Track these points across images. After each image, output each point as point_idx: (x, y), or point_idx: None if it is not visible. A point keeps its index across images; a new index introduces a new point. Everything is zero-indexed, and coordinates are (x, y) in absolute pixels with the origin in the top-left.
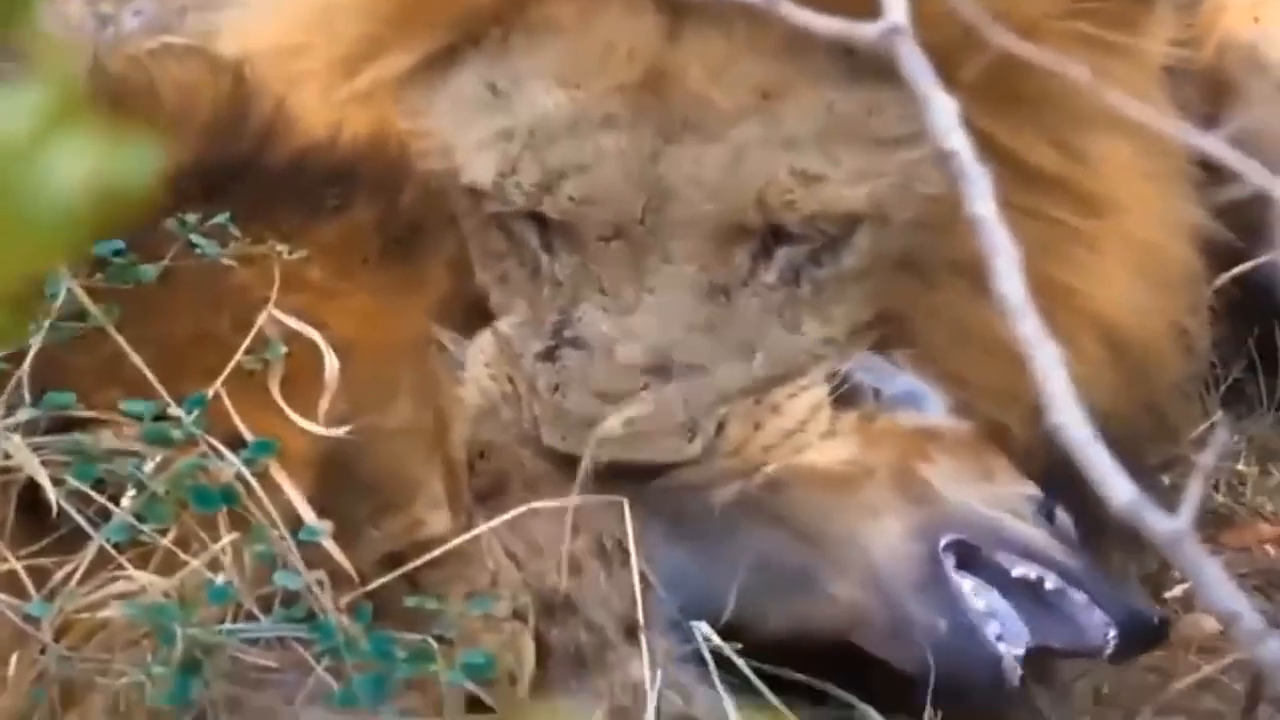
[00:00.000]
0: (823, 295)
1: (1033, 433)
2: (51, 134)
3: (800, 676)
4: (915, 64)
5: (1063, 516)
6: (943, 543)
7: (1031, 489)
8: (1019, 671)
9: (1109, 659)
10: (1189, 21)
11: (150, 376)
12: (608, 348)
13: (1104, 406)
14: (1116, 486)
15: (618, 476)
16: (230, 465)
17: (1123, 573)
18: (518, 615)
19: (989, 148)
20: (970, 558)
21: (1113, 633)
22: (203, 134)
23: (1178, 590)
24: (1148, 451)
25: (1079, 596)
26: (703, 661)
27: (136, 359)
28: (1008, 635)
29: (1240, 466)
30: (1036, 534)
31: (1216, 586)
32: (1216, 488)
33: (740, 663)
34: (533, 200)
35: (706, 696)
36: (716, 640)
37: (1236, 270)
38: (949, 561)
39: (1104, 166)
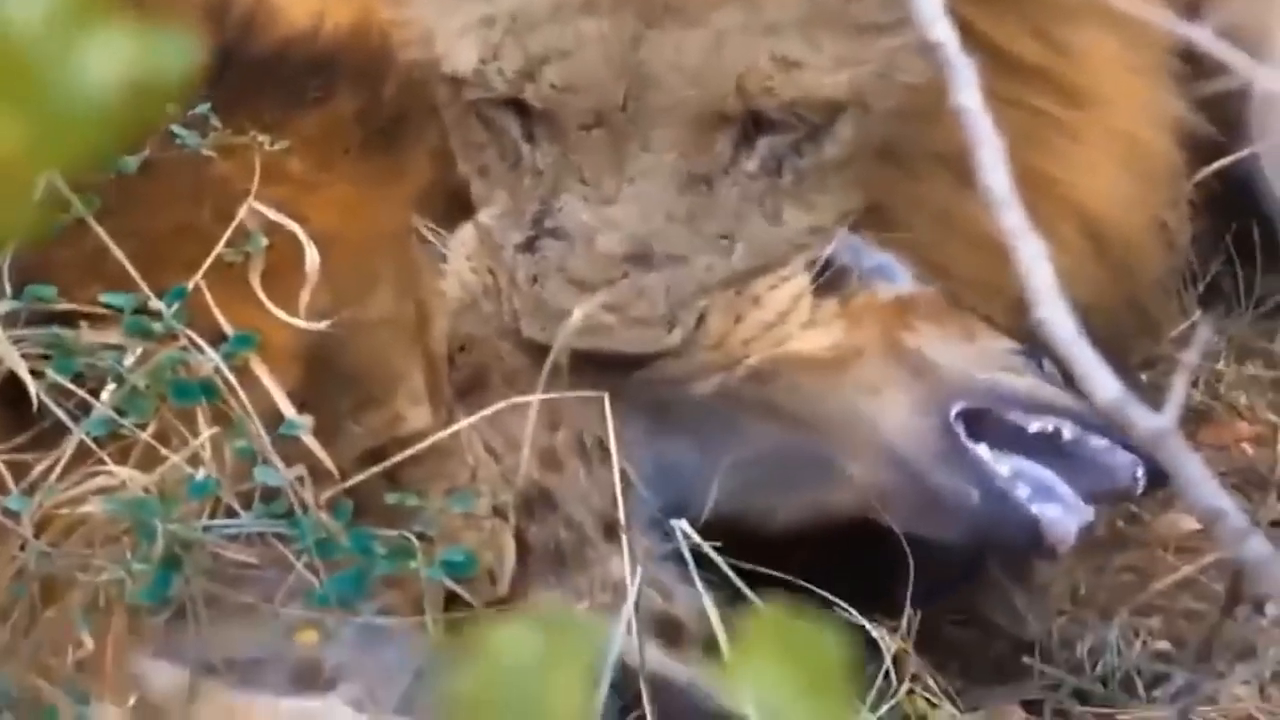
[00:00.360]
0: (804, 184)
1: (1016, 326)
2: (80, 26)
3: (780, 574)
4: None
5: (1050, 365)
6: (952, 412)
7: (1009, 342)
8: (1061, 531)
9: (1144, 494)
10: None
11: (131, 270)
12: (588, 237)
13: (1086, 300)
14: (1101, 382)
15: (598, 367)
16: (209, 359)
17: None
18: (498, 512)
19: (971, 36)
20: (980, 422)
21: (1140, 470)
22: (185, 24)
23: None
24: (1130, 347)
25: (1098, 440)
26: (683, 560)
27: (118, 252)
28: (1039, 495)
29: (1219, 365)
30: (1039, 386)
31: (1200, 485)
32: (1195, 385)
33: (719, 560)
34: (514, 87)
35: (687, 595)
36: (696, 538)
37: (1216, 165)
38: (959, 429)
39: (1087, 58)
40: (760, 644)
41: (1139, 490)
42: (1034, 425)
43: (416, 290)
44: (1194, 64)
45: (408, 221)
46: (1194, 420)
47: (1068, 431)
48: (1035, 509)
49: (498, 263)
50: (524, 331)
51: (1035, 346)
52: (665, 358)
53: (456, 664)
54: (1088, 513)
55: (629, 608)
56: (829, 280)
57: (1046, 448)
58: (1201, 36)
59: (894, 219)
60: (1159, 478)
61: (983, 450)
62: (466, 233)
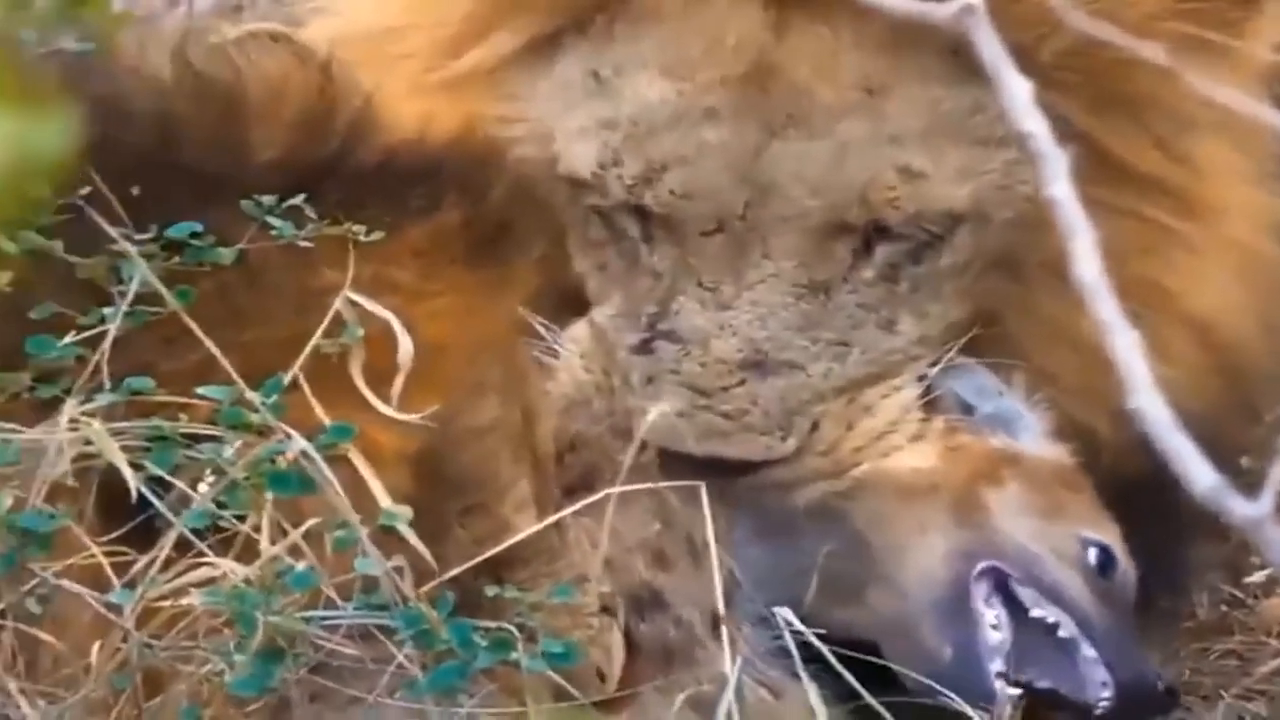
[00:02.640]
0: (920, 293)
1: (1120, 435)
2: None
3: (880, 661)
4: (988, 44)
5: (1124, 570)
6: (978, 569)
7: (1101, 534)
8: (1008, 710)
9: (1099, 718)
10: None
11: (233, 374)
12: (703, 341)
13: (1198, 409)
14: (1197, 471)
15: (711, 471)
16: (301, 447)
17: (1201, 566)
18: (606, 610)
19: (1088, 146)
20: (999, 586)
21: (1107, 693)
22: (290, 131)
23: (1258, 576)
24: (1236, 450)
25: (1089, 650)
26: (789, 655)
27: (225, 363)
28: (1011, 672)
29: None
30: (1071, 579)
31: None
32: None
33: (821, 647)
34: (634, 193)
35: (795, 692)
36: (799, 625)
37: None
38: (980, 588)
39: (1205, 168)
40: None
41: (1097, 711)
42: (1037, 610)
43: (524, 395)
44: None
45: (515, 328)
46: None
47: (1065, 630)
48: (999, 685)
49: (612, 362)
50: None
51: (1108, 550)
52: (777, 464)
53: None
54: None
55: (729, 698)
56: (938, 402)
57: (1040, 632)
58: None
59: (1003, 326)
60: (1126, 708)
61: (990, 613)
62: (580, 330)
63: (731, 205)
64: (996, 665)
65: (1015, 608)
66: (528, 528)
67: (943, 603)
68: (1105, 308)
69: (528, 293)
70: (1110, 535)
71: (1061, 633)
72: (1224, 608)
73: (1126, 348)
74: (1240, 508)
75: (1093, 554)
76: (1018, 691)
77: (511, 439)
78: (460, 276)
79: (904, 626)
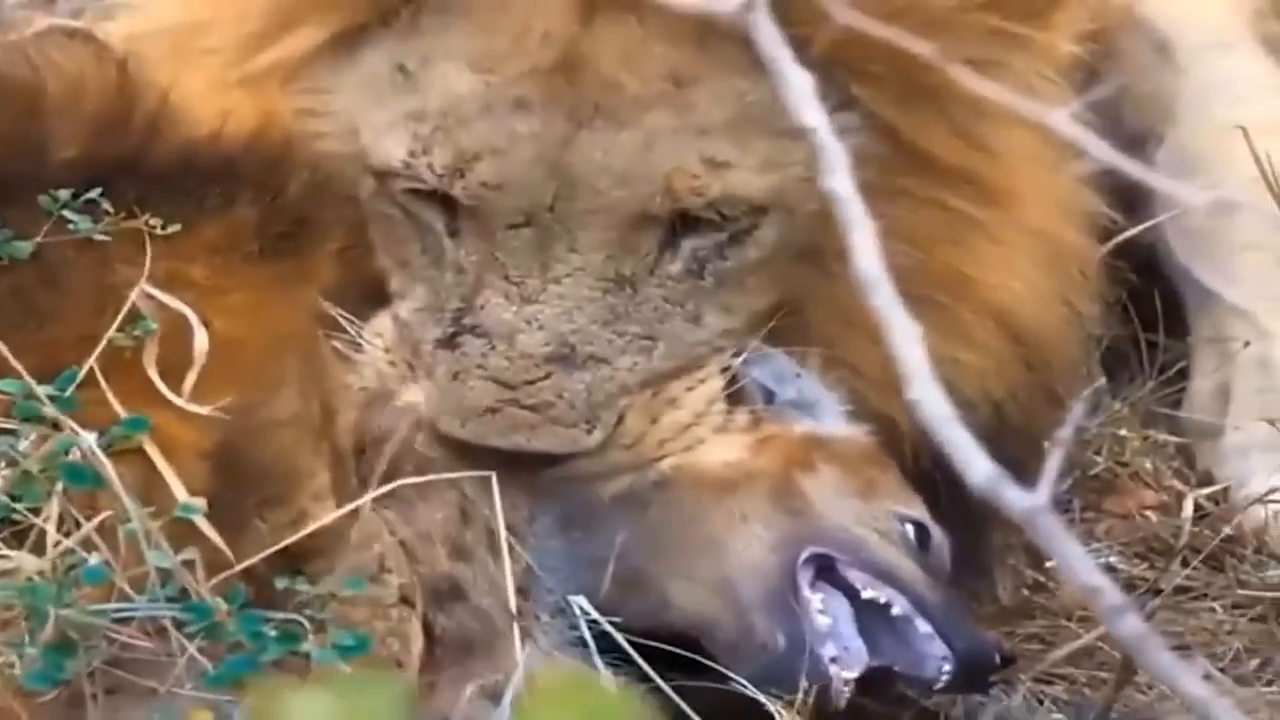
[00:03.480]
0: (725, 287)
1: (919, 426)
2: None
3: (678, 650)
4: (769, 39)
5: (939, 541)
6: (803, 556)
7: (912, 508)
8: (846, 694)
9: (941, 691)
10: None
11: (30, 382)
12: (509, 335)
13: (1006, 393)
14: (975, 462)
15: (517, 464)
16: (88, 443)
17: (1004, 549)
18: (405, 601)
19: (892, 137)
20: (826, 571)
21: (947, 667)
22: (88, 129)
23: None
24: (1045, 435)
25: (924, 626)
26: (587, 645)
27: (15, 363)
28: (844, 656)
29: (1122, 431)
30: (897, 558)
31: (1075, 561)
32: (1100, 453)
33: (619, 637)
34: (444, 183)
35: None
36: (596, 615)
37: (1114, 241)
38: (806, 575)
39: (1006, 156)
40: (553, 704)
41: (938, 685)
42: (869, 592)
43: (323, 388)
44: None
45: (312, 322)
46: (1098, 489)
47: (898, 607)
48: (834, 669)
49: (416, 357)
50: (443, 427)
51: (923, 524)
52: (582, 456)
53: None
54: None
55: (513, 688)
56: (741, 392)
57: (873, 614)
58: (1100, 149)
59: (806, 317)
60: (964, 680)
61: (816, 597)
62: (384, 324)
63: (540, 197)
64: (829, 650)
65: (846, 591)
66: (324, 517)
67: (772, 593)
68: (885, 300)
69: (325, 286)
70: (920, 509)
71: (895, 611)
72: (1026, 592)
73: (905, 338)
74: (1017, 499)
75: (910, 530)
76: (853, 674)
77: (310, 431)
78: (255, 272)
79: (732, 619)
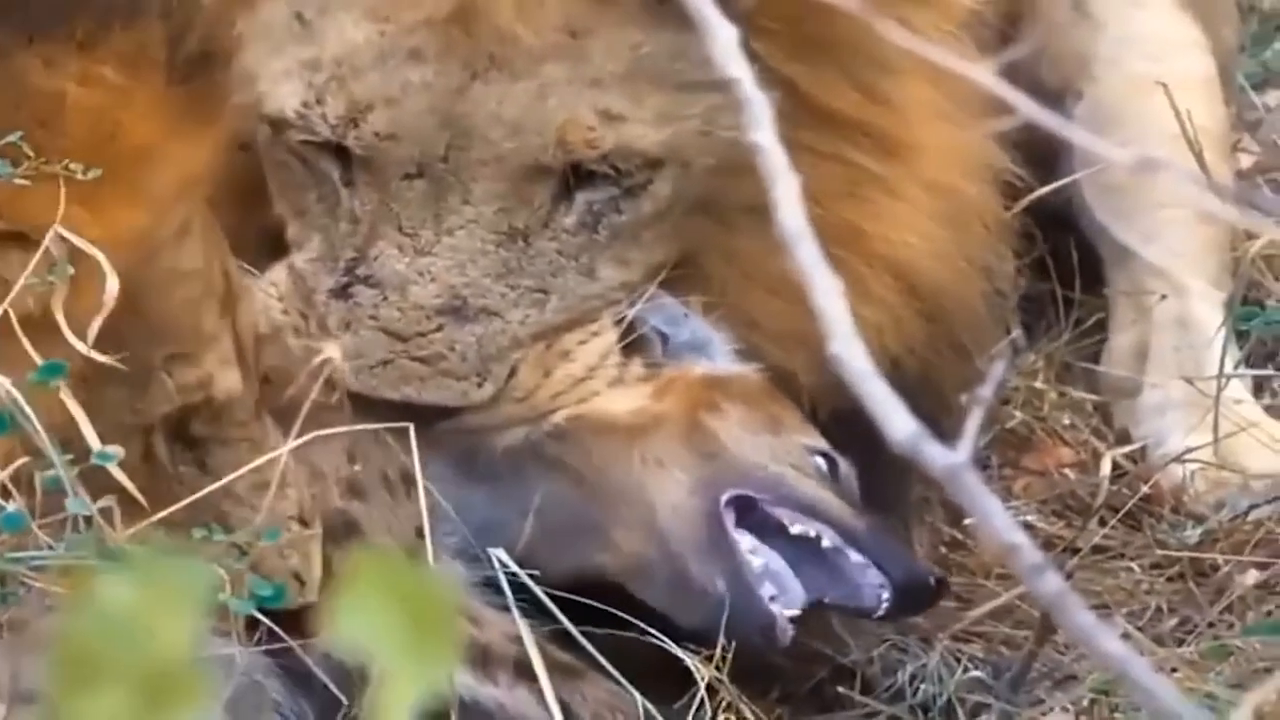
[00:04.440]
0: (620, 240)
1: (819, 379)
2: None
3: (594, 603)
4: None
5: (846, 471)
6: (725, 498)
7: (817, 440)
8: (790, 631)
9: (881, 618)
10: None
11: None
12: (402, 287)
13: (905, 349)
14: (895, 420)
15: (406, 416)
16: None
17: (921, 505)
18: (303, 521)
19: (791, 92)
20: (750, 512)
21: (886, 594)
22: None
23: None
24: (949, 389)
25: (856, 556)
26: (494, 589)
27: None
28: (782, 594)
29: (1038, 384)
30: (818, 491)
31: (995, 519)
32: (1016, 407)
33: (536, 588)
34: (338, 132)
35: (499, 621)
36: (514, 566)
37: (1028, 199)
38: (730, 517)
39: (905, 110)
40: (366, 585)
41: (879, 612)
42: (797, 527)
43: (224, 261)
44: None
45: (215, 174)
46: (1016, 445)
47: (827, 540)
48: (775, 609)
49: (309, 306)
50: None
51: (833, 451)
52: (474, 409)
53: (65, 612)
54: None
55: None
56: (637, 342)
57: (804, 550)
58: (1013, 95)
59: (705, 270)
60: (904, 605)
61: (745, 539)
62: (279, 274)
63: (434, 147)
64: (767, 590)
65: (772, 529)
66: (230, 384)
67: (703, 538)
68: (807, 253)
69: (226, 138)
70: (822, 441)
71: (825, 544)
72: (943, 549)
73: (827, 293)
74: (938, 456)
75: (820, 460)
76: (794, 611)
77: (214, 294)
78: (166, 88)
79: (665, 565)
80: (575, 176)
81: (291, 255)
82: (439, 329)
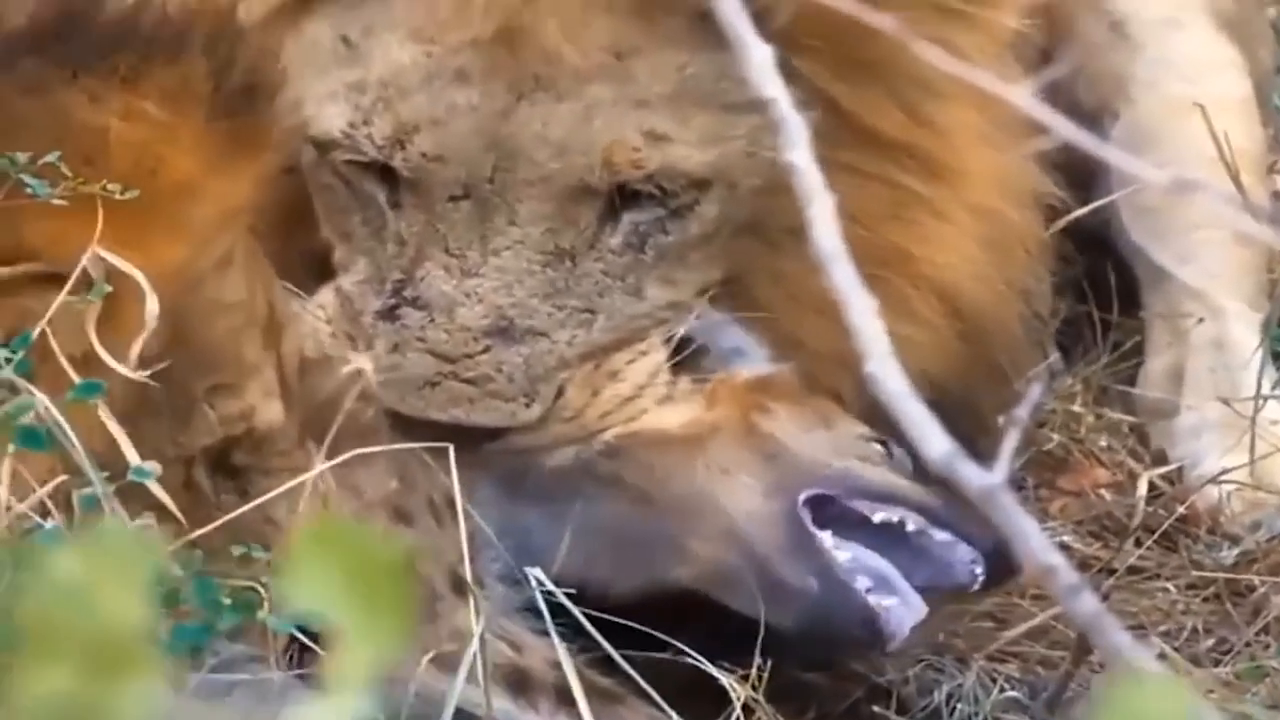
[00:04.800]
0: (666, 261)
1: (864, 400)
2: None
3: (632, 624)
4: (731, 11)
5: (900, 453)
6: (801, 498)
7: (866, 429)
8: (907, 622)
9: (977, 592)
10: None
11: None
12: (449, 308)
13: (946, 370)
14: (931, 440)
15: (455, 438)
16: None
17: None
18: None
19: (835, 111)
20: (827, 508)
21: (979, 568)
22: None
23: None
24: (987, 411)
25: (941, 535)
26: (536, 614)
27: None
28: (878, 587)
29: (1075, 407)
30: (889, 476)
31: (1031, 539)
32: (1053, 429)
33: (573, 608)
34: (384, 153)
35: (539, 646)
36: (551, 586)
37: (1065, 220)
38: (806, 516)
39: (951, 134)
40: (319, 550)
41: (975, 586)
42: (879, 515)
43: (268, 290)
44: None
45: (258, 206)
46: (1052, 466)
47: (911, 523)
48: (873, 601)
49: (357, 329)
50: (383, 400)
51: (888, 435)
52: (522, 430)
53: (15, 587)
54: (921, 609)
55: (472, 657)
56: (687, 357)
57: (889, 538)
58: (1057, 121)
59: (751, 291)
60: (998, 575)
61: (826, 537)
62: (326, 296)
63: (480, 169)
64: (862, 583)
65: (854, 522)
66: (273, 415)
67: (788, 539)
68: (843, 273)
69: (271, 169)
70: (864, 426)
71: (909, 527)
72: None
73: (863, 313)
74: (974, 476)
75: (878, 446)
76: (894, 600)
77: (257, 324)
78: (209, 123)
79: (752, 571)
80: (621, 197)
81: (338, 278)
82: (486, 350)
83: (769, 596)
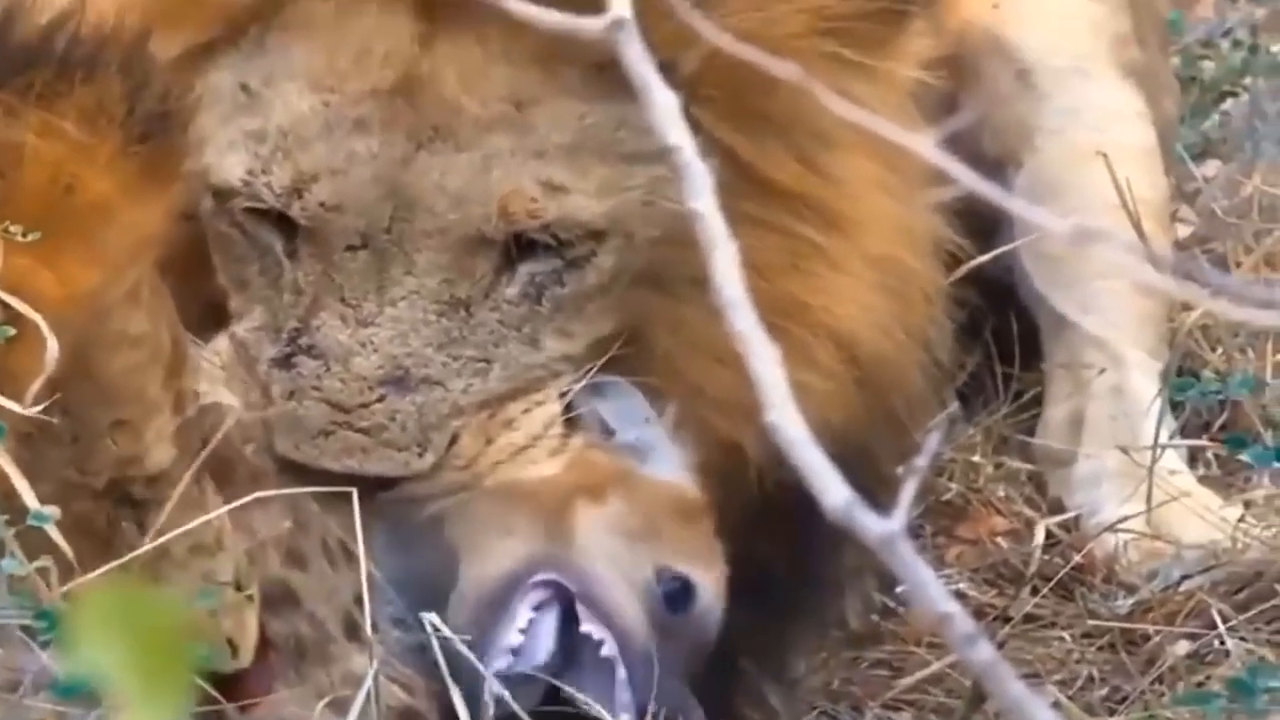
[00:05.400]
0: (563, 312)
1: (766, 448)
2: None
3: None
4: (637, 58)
5: (705, 609)
6: (537, 578)
7: (693, 568)
8: (491, 708)
9: None
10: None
11: None
12: (344, 358)
13: (843, 420)
14: (830, 488)
15: (345, 483)
16: None
17: (855, 573)
18: (239, 586)
19: (733, 161)
20: (560, 598)
21: (626, 716)
22: None
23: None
24: (885, 461)
25: (622, 672)
26: (426, 655)
27: None
28: (509, 668)
29: (975, 458)
30: (629, 604)
31: (928, 587)
32: (951, 478)
33: (468, 653)
34: (282, 202)
35: (428, 687)
36: (446, 631)
37: (966, 267)
38: (534, 596)
39: (847, 184)
40: (99, 618)
41: None
42: (586, 626)
43: (172, 327)
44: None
45: (164, 241)
46: (950, 515)
47: (608, 648)
48: (489, 682)
49: (252, 376)
50: (277, 448)
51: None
52: (415, 479)
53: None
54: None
55: (363, 694)
56: (579, 420)
57: (587, 649)
58: (957, 169)
59: (650, 342)
60: None
61: (526, 615)
62: (221, 343)
63: (378, 218)
64: (500, 663)
65: (566, 621)
66: (164, 458)
67: (486, 598)
68: (745, 321)
69: (178, 204)
70: (708, 573)
71: (604, 651)
72: (875, 617)
73: (765, 361)
74: (872, 524)
75: (667, 585)
76: (503, 693)
77: (161, 360)
78: (124, 146)
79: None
80: (518, 247)
81: (233, 325)
82: (381, 399)
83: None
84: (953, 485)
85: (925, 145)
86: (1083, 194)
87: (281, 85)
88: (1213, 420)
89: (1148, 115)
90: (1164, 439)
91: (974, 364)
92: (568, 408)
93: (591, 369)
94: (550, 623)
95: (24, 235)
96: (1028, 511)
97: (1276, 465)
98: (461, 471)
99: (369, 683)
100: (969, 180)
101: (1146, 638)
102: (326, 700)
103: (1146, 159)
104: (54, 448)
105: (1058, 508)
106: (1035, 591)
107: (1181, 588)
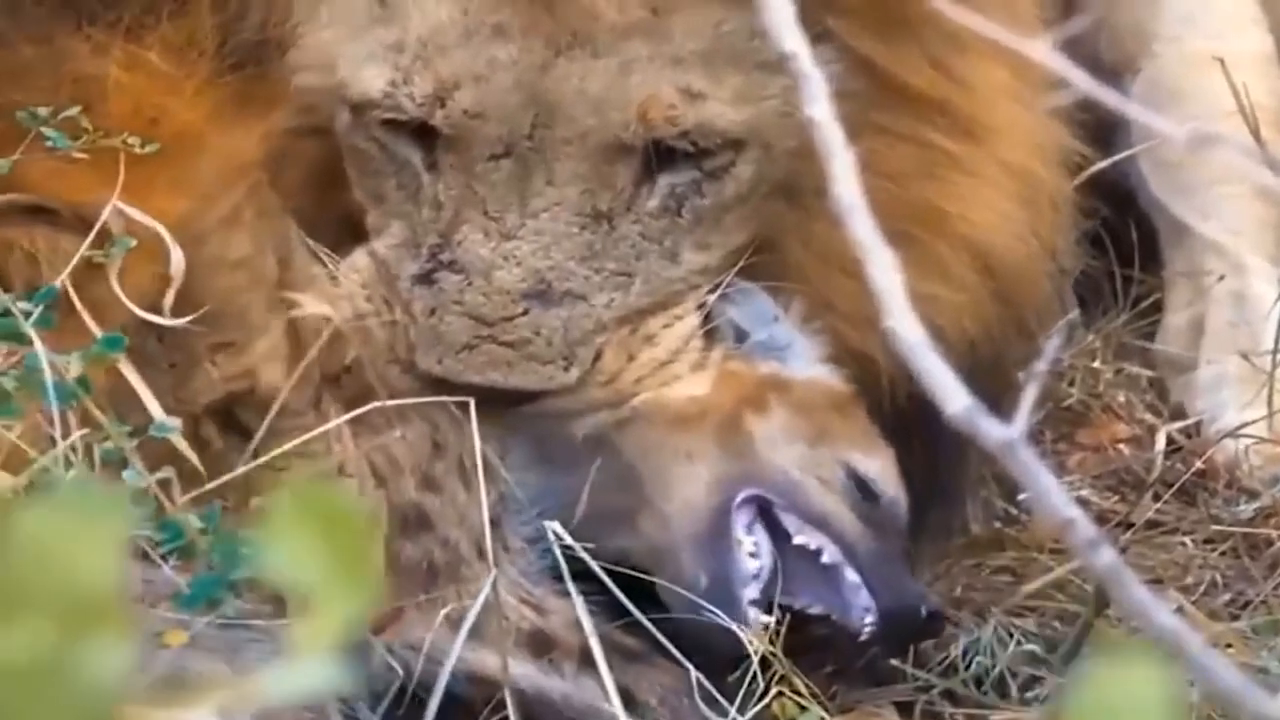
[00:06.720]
0: (703, 225)
1: (895, 359)
2: None
3: (650, 578)
4: None
5: (892, 497)
6: (739, 497)
7: (871, 458)
8: (754, 642)
9: (864, 644)
10: None
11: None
12: (486, 271)
13: (978, 330)
14: (950, 395)
15: (492, 400)
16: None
17: (978, 481)
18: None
19: (869, 71)
20: (763, 513)
21: (870, 618)
22: None
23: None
24: (1013, 368)
25: (852, 575)
26: (559, 576)
27: None
28: (760, 601)
29: (1095, 364)
30: (835, 505)
31: (1049, 493)
32: (1073, 384)
33: (593, 564)
34: (425, 111)
35: (564, 609)
36: (570, 541)
37: (1086, 173)
38: (742, 517)
39: (980, 90)
40: (292, 513)
41: (862, 637)
42: (800, 538)
43: (283, 250)
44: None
45: (264, 162)
46: (1071, 421)
47: (827, 555)
48: (751, 614)
49: (393, 293)
50: (420, 364)
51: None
52: (558, 393)
53: None
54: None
55: (478, 605)
56: (714, 332)
57: (803, 559)
58: (1079, 78)
59: (783, 254)
60: (888, 635)
61: (747, 540)
62: (360, 260)
63: (520, 126)
64: (750, 593)
65: (778, 534)
66: (274, 378)
67: (703, 532)
68: (862, 227)
69: (278, 126)
70: (880, 460)
71: (825, 558)
72: (998, 524)
73: (882, 268)
74: (993, 430)
75: (857, 480)
76: (770, 619)
77: (264, 284)
78: (214, 76)
79: (668, 555)
80: (657, 157)
81: (372, 241)
82: (524, 313)
83: (671, 579)
84: (1073, 391)
85: (1042, 50)
86: (1200, 100)
87: None
88: None
89: (1264, 22)
90: None
91: (1092, 269)
92: (705, 319)
93: (725, 279)
94: (766, 540)
95: (142, 146)
96: (1149, 417)
97: None
98: (604, 388)
99: (484, 594)
100: (1087, 85)
101: (1269, 542)
102: (447, 610)
103: (1264, 65)
104: (150, 374)
105: (1179, 413)
106: (1157, 497)
107: None
